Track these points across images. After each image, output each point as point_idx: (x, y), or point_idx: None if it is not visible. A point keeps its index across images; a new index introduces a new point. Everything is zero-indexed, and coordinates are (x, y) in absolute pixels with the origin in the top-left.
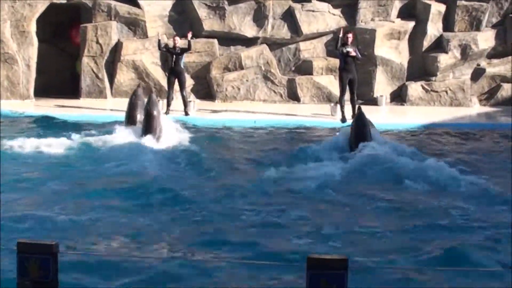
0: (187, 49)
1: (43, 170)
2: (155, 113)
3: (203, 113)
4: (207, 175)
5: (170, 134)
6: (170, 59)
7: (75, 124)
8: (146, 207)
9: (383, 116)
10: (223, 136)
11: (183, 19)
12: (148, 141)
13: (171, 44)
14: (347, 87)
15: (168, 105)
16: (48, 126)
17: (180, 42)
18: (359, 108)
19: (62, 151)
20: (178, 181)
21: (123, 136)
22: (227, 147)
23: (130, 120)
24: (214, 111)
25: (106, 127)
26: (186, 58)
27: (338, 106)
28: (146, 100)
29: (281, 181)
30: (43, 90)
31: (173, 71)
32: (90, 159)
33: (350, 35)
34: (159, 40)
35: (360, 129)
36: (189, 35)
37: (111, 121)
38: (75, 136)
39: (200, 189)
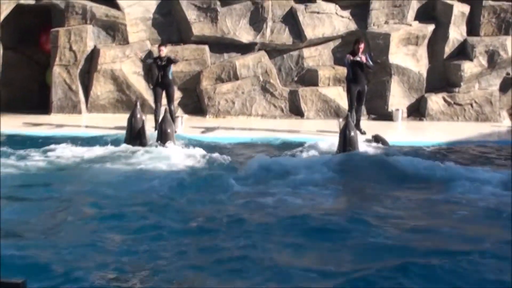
0: (174, 61)
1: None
2: (169, 130)
3: (193, 131)
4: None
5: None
6: (157, 70)
7: (48, 143)
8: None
9: (399, 133)
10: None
11: (169, 22)
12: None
13: (156, 53)
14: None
15: (157, 121)
16: (15, 145)
17: (167, 50)
18: (347, 117)
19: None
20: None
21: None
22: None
23: (133, 140)
24: (205, 128)
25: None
26: (172, 67)
27: None
28: (145, 117)
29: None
30: (7, 105)
31: (160, 83)
32: (92, 183)
33: (362, 45)
34: (141, 59)
35: (347, 137)
36: (177, 58)
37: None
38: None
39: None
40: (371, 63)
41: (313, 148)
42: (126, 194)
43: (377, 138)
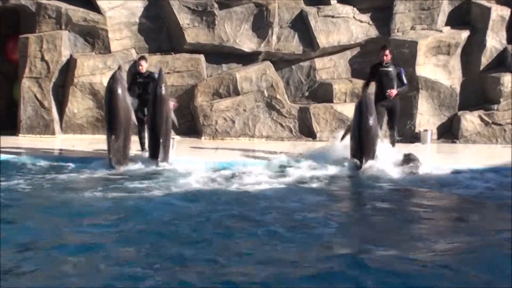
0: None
1: None
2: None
3: (185, 154)
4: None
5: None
6: (136, 88)
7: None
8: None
9: (428, 158)
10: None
11: (158, 27)
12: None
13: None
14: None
15: (143, 143)
16: None
17: (157, 60)
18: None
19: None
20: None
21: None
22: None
23: (113, 123)
24: (199, 151)
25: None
26: None
27: None
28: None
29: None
30: None
31: (142, 101)
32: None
33: (387, 52)
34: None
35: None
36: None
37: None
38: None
39: None
40: (405, 80)
41: None
42: None
43: (409, 158)
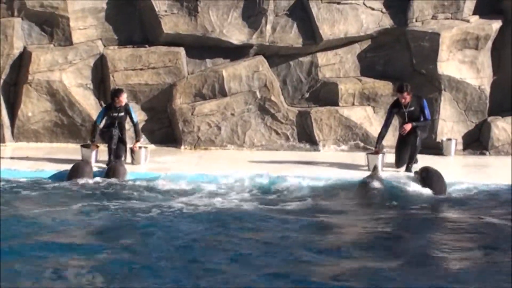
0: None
1: None
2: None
3: (160, 166)
4: None
5: None
6: (109, 122)
7: None
8: None
9: (452, 172)
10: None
11: (129, 15)
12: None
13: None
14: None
15: (110, 152)
16: None
17: (129, 53)
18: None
19: None
20: None
21: None
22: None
23: None
24: (177, 163)
25: None
26: (135, 78)
27: (380, 156)
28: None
29: None
30: None
31: (112, 139)
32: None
33: (405, 95)
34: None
35: None
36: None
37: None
38: None
39: None
40: (428, 115)
41: None
42: None
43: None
